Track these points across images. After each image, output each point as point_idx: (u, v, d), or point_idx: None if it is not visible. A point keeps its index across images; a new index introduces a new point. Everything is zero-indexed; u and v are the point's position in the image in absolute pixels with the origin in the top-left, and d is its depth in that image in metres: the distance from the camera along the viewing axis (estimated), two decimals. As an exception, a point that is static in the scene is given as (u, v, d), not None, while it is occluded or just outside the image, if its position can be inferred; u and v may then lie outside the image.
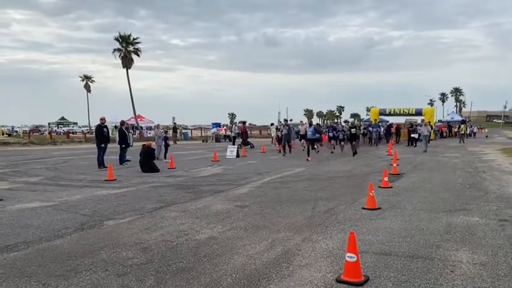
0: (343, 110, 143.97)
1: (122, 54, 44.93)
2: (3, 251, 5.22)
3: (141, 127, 47.57)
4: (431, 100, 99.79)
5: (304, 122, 26.58)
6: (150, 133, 43.15)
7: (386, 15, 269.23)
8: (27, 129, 53.89)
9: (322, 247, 5.30)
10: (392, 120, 43.12)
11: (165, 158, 18.26)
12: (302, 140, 22.00)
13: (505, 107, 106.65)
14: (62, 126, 74.93)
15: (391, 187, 9.93)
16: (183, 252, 5.15)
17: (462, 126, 36.75)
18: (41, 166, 16.02)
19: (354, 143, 20.82)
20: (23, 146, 30.14)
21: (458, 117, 59.58)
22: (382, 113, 42.77)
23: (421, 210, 7.52)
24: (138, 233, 6.07)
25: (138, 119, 47.90)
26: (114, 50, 45.00)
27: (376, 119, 37.24)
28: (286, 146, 21.35)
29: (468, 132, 44.86)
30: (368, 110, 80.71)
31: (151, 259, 4.88)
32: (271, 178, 12.20)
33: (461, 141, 32.77)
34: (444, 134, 45.55)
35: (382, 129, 31.88)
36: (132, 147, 17.32)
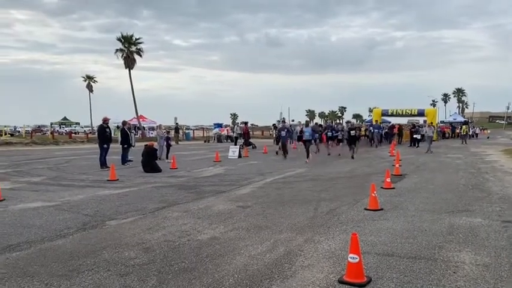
0: (345, 111, 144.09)
1: (125, 55, 44.97)
2: (5, 250, 5.23)
3: (143, 127, 47.62)
4: (433, 101, 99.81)
5: (302, 123, 26.02)
6: (152, 133, 43.16)
7: (389, 15, 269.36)
8: (29, 129, 53.96)
9: (324, 248, 5.29)
10: (394, 121, 43.02)
11: (167, 158, 18.27)
12: (300, 142, 21.25)
13: (508, 108, 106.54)
14: (64, 126, 75.05)
15: (393, 188, 9.91)
16: (185, 252, 5.15)
17: (464, 127, 36.72)
18: (43, 166, 16.04)
19: (352, 145, 19.64)
20: (25, 146, 30.19)
21: (460, 118, 59.40)
22: (385, 113, 42.66)
23: (423, 211, 7.50)
24: (140, 233, 6.08)
25: (140, 119, 47.96)
26: (117, 50, 45.09)
27: (377, 120, 37.16)
28: (284, 148, 19.71)
29: (470, 133, 44.80)
30: (370, 110, 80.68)
31: (154, 259, 4.88)
32: (273, 178, 12.19)
33: (463, 142, 32.71)
34: (446, 135, 45.46)
35: (382, 130, 31.54)
36: (134, 147, 17.33)
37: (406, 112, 41.97)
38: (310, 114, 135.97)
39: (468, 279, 4.22)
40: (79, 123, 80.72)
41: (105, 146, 15.27)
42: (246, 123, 29.47)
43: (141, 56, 46.12)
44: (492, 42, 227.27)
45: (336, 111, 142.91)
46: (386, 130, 32.17)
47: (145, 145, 14.78)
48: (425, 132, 24.02)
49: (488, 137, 49.12)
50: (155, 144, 16.22)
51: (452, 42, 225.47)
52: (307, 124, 19.19)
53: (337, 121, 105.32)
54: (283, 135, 19.56)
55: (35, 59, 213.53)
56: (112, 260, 4.87)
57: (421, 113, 41.41)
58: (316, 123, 29.95)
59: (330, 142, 22.47)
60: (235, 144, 24.24)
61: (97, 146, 16.12)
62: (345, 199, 8.66)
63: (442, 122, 56.82)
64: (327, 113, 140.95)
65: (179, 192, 9.73)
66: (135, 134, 21.73)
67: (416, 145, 27.77)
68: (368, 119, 55.66)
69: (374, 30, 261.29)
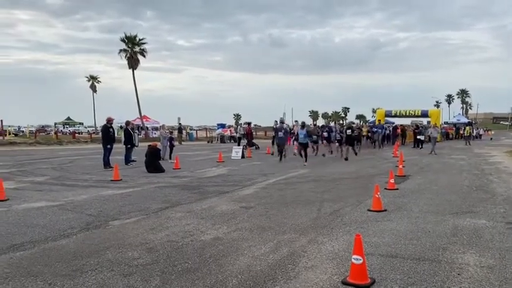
0: (348, 111, 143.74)
1: (128, 55, 45.07)
2: (9, 250, 5.24)
3: (147, 127, 47.70)
4: (437, 102, 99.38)
5: (299, 123, 25.06)
6: (155, 133, 43.24)
7: (393, 16, 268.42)
8: (33, 129, 54.11)
9: (327, 249, 5.27)
10: (398, 121, 42.92)
11: (170, 158, 18.29)
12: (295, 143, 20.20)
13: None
14: (67, 126, 75.26)
15: (397, 189, 9.88)
16: (188, 252, 5.15)
17: (467, 128, 36.64)
18: (47, 166, 16.09)
19: (348, 146, 18.74)
20: (29, 146, 30.30)
21: (464, 119, 59.16)
22: (388, 114, 42.60)
23: (427, 212, 7.47)
24: (144, 233, 6.08)
25: (144, 120, 48.04)
26: (120, 50, 45.19)
27: (379, 120, 37.03)
28: (281, 149, 18.70)
29: (474, 134, 44.60)
30: (374, 111, 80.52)
31: (157, 259, 4.88)
32: (276, 179, 12.18)
33: (467, 143, 32.60)
34: (450, 136, 45.32)
35: (386, 130, 31.06)
36: (137, 147, 17.36)
37: (409, 113, 41.90)
38: (314, 114, 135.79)
39: (473, 281, 4.19)
40: (82, 123, 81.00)
41: (109, 146, 15.31)
42: (249, 123, 29.35)
43: (144, 56, 46.20)
44: (496, 43, 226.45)
45: (339, 112, 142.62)
46: (388, 132, 31.80)
47: (149, 145, 14.79)
48: (430, 133, 23.88)
49: (491, 138, 48.85)
50: (158, 145, 16.24)
51: (456, 43, 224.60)
52: (302, 126, 17.74)
53: (341, 122, 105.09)
54: (280, 136, 18.62)
55: (39, 59, 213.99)
56: (115, 260, 4.87)
57: (424, 114, 41.33)
58: (314, 125, 28.70)
59: (326, 143, 21.65)
60: (238, 145, 24.22)
61: (100, 146, 16.16)
62: (348, 200, 8.64)
63: (445, 123, 56.62)
64: (330, 114, 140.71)
65: (182, 193, 9.73)
66: (138, 134, 21.76)
67: (420, 146, 27.68)
68: (371, 119, 55.50)
69: (378, 31, 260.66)
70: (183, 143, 36.08)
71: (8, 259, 4.89)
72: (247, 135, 26.18)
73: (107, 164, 15.03)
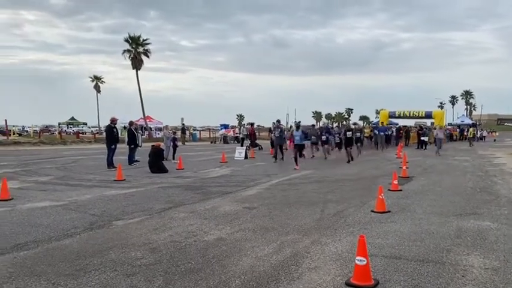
0: (352, 112, 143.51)
1: (132, 56, 45.16)
2: (13, 249, 5.26)
3: (150, 128, 47.80)
4: (441, 103, 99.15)
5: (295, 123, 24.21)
6: (159, 134, 43.32)
7: (396, 17, 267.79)
8: (37, 129, 54.34)
9: (331, 250, 5.26)
10: (401, 123, 42.83)
11: (173, 158, 18.31)
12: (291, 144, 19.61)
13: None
14: (71, 126, 75.54)
15: (400, 190, 9.85)
16: (191, 253, 5.15)
17: (470, 129, 36.55)
18: (51, 166, 16.15)
19: (348, 148, 18.02)
20: (33, 146, 30.41)
21: (468, 121, 59.02)
22: (392, 115, 42.50)
23: (431, 213, 7.44)
24: (147, 233, 6.09)
25: (147, 120, 48.16)
26: (124, 51, 45.30)
27: (383, 122, 36.87)
28: (279, 151, 18.65)
29: (478, 135, 44.45)
30: (377, 112, 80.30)
31: (160, 260, 4.88)
32: (279, 180, 12.17)
33: (471, 145, 32.50)
34: (454, 137, 45.16)
35: (389, 132, 30.04)
36: (141, 147, 17.39)
37: (413, 114, 41.80)
38: (317, 115, 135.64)
39: (477, 283, 4.17)
40: (86, 124, 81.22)
41: (113, 146, 15.34)
42: (252, 124, 29.31)
43: (148, 56, 46.32)
44: (501, 44, 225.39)
45: (342, 113, 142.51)
46: (389, 133, 31.35)
47: (152, 145, 14.83)
48: (436, 134, 23.73)
49: (494, 140, 48.56)
50: (162, 145, 16.26)
51: (460, 44, 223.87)
52: (297, 127, 16.99)
53: (344, 123, 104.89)
54: (277, 137, 18.37)
55: (43, 59, 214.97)
56: (119, 260, 4.88)
57: (428, 115, 41.24)
58: (313, 125, 27.41)
59: (325, 146, 20.78)
60: (242, 145, 24.23)
61: (104, 146, 16.22)
62: (352, 201, 8.62)
63: (449, 124, 56.46)
64: (333, 115, 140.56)
65: (186, 193, 9.74)
66: (141, 135, 21.79)
67: (424, 147, 27.58)
68: (375, 120, 55.30)
69: (380, 31, 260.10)
70: (186, 143, 36.12)
71: (12, 258, 4.91)
72: (250, 136, 26.18)
73: (110, 164, 15.06)
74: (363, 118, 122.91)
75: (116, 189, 10.19)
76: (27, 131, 51.06)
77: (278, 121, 20.16)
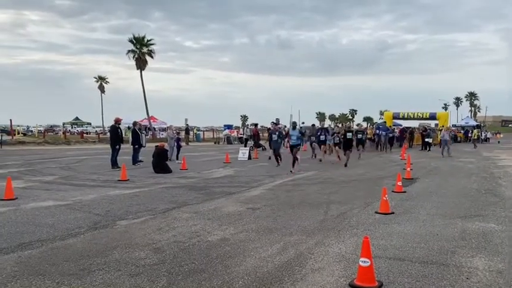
0: (356, 113, 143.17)
1: (136, 56, 45.32)
2: (18, 249, 5.28)
3: (154, 128, 47.90)
4: (445, 104, 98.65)
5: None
6: (162, 134, 43.40)
7: (401, 18, 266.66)
8: (42, 129, 54.57)
9: (335, 251, 5.25)
10: (406, 124, 42.71)
11: (177, 159, 18.34)
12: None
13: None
14: (76, 126, 75.79)
15: (404, 192, 9.82)
16: (195, 253, 5.15)
17: (475, 131, 36.45)
18: (55, 165, 16.21)
19: (347, 151, 17.01)
20: (37, 146, 30.56)
21: (472, 122, 58.82)
22: (396, 116, 42.45)
23: (435, 215, 7.42)
24: (151, 233, 6.10)
25: (151, 120, 48.25)
26: (128, 51, 45.46)
27: (385, 121, 36.71)
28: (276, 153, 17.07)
29: (483, 137, 44.24)
30: (381, 113, 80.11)
31: (164, 260, 4.89)
32: (283, 181, 12.16)
33: (475, 147, 32.38)
34: (458, 139, 44.97)
35: (392, 133, 29.15)
36: (144, 148, 17.43)
37: (417, 115, 41.73)
38: (321, 116, 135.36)
39: (481, 286, 4.15)
40: (90, 124, 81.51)
41: (117, 147, 15.39)
42: (256, 124, 29.30)
43: (152, 57, 46.46)
44: (506, 45, 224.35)
45: (346, 114, 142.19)
46: (392, 134, 30.87)
47: (156, 146, 14.85)
48: (443, 135, 23.56)
49: (498, 142, 48.29)
50: (166, 145, 16.29)
51: (464, 45, 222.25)
52: (294, 126, 15.87)
53: (347, 124, 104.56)
54: (275, 139, 16.94)
55: (48, 59, 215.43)
56: (122, 259, 4.89)
57: (432, 117, 41.16)
58: (313, 125, 26.53)
59: (322, 147, 19.76)
60: (245, 146, 24.24)
61: (108, 146, 16.24)
62: (356, 202, 8.60)
63: (454, 125, 56.27)
64: (337, 116, 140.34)
65: (189, 193, 9.75)
66: (145, 135, 21.84)
67: (428, 149, 27.48)
68: (379, 121, 55.15)
69: (385, 32, 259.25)
70: (190, 143, 36.17)
71: (16, 258, 4.93)
72: (254, 137, 26.17)
73: (114, 164, 15.10)
74: (367, 119, 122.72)
75: (119, 189, 10.22)
76: (31, 131, 51.34)
77: (277, 120, 18.93)
